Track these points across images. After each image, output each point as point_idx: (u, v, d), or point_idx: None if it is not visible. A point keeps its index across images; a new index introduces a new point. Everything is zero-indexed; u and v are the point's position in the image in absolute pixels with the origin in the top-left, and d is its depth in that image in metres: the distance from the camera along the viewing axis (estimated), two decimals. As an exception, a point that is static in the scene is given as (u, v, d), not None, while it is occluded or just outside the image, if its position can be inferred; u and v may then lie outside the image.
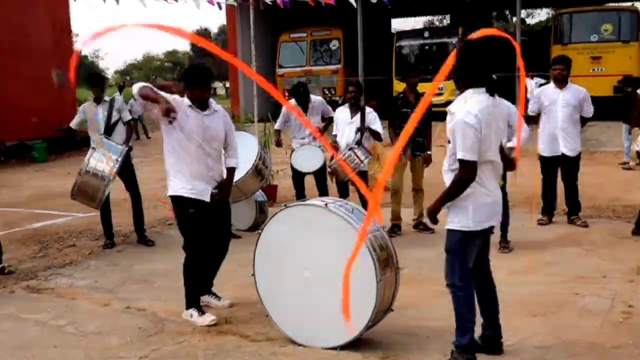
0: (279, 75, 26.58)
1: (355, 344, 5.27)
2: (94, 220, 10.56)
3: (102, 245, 9.09)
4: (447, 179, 4.88)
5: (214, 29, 70.57)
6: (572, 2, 24.41)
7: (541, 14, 52.96)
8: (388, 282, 5.32)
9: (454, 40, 24.77)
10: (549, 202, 9.76)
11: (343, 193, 9.08)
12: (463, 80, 4.83)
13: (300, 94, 9.68)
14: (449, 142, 4.81)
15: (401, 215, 9.43)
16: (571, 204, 9.69)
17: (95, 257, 8.63)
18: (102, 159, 8.26)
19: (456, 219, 4.81)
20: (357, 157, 8.77)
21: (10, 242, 9.45)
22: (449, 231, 4.88)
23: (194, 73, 6.23)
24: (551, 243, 8.56)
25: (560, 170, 9.60)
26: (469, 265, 4.90)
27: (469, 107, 4.69)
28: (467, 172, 4.68)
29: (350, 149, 8.82)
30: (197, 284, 6.28)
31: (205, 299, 6.47)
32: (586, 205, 10.27)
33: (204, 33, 70.37)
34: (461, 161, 4.68)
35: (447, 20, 42.77)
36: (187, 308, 6.12)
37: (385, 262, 5.30)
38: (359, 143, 8.87)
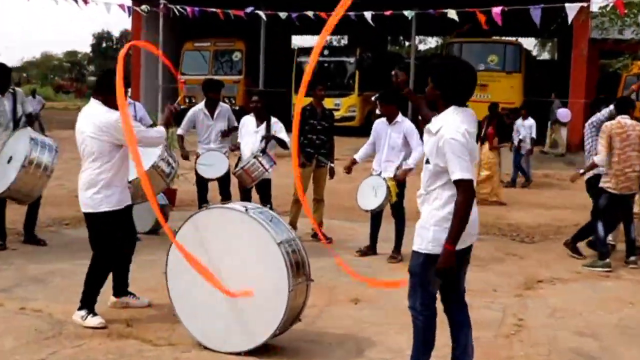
0: (181, 82, 26.21)
1: (259, 350, 5.12)
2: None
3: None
4: (423, 202, 4.50)
5: (115, 33, 69.16)
6: (461, 33, 25.15)
7: (431, 42, 54.40)
8: (300, 291, 5.22)
9: (352, 59, 25.11)
10: None
11: (246, 199, 8.89)
12: (450, 100, 4.44)
13: (215, 85, 9.63)
14: (427, 162, 4.46)
15: (297, 225, 9.33)
16: None
17: (-13, 256, 8.10)
18: (43, 154, 7.70)
19: (419, 240, 4.43)
20: (262, 165, 8.64)
21: None
22: (414, 252, 4.47)
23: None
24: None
25: None
26: (432, 290, 4.53)
27: (456, 124, 4.33)
28: (469, 193, 4.26)
29: (255, 157, 8.67)
30: (100, 286, 5.96)
31: (124, 300, 6.25)
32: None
33: (105, 36, 68.95)
34: (462, 181, 4.24)
35: (344, 41, 43.23)
36: (81, 309, 5.78)
37: (298, 270, 5.18)
38: (263, 151, 8.73)
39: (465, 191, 4.21)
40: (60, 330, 5.60)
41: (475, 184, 4.37)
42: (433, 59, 4.77)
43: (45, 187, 8.02)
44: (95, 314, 5.75)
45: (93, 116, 5.78)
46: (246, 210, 5.24)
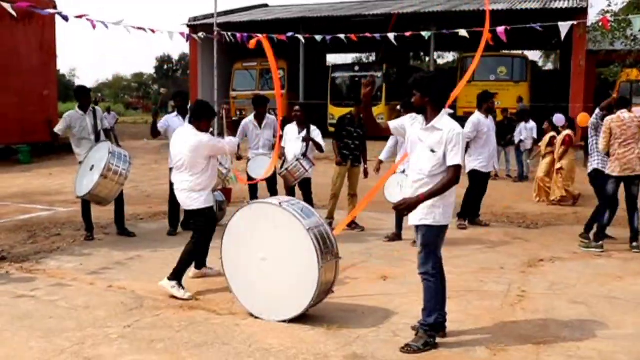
0: (232, 98, 26.66)
1: (302, 318, 5.37)
2: (75, 213, 10.41)
3: (83, 235, 8.88)
4: (423, 185, 4.86)
5: (175, 56, 69.90)
6: (474, 48, 25.16)
7: (449, 56, 54.10)
8: (329, 267, 5.42)
9: (379, 74, 25.26)
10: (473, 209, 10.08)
11: (290, 195, 9.17)
12: (438, 104, 4.89)
13: (261, 101, 9.87)
14: (432, 151, 4.83)
15: (335, 215, 9.58)
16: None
17: (79, 245, 8.48)
18: (119, 164, 7.98)
19: (431, 217, 4.85)
20: (303, 166, 8.96)
21: (1, 232, 9.24)
22: (427, 227, 4.89)
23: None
24: (459, 242, 8.79)
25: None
26: (440, 255, 5.02)
27: (455, 124, 4.85)
28: (458, 177, 4.80)
29: (297, 159, 8.98)
30: (191, 263, 6.55)
31: (203, 270, 6.87)
32: (485, 212, 10.61)
33: (166, 59, 69.70)
34: (457, 167, 4.76)
35: (372, 58, 43.29)
36: (172, 279, 6.18)
37: (326, 250, 5.40)
38: (304, 155, 9.02)
39: (455, 174, 4.77)
40: (141, 304, 5.93)
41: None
42: (416, 74, 5.03)
43: (119, 192, 8.27)
44: (183, 288, 6.18)
45: (187, 138, 6.39)
46: (280, 204, 5.49)
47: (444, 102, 4.96)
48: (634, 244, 8.42)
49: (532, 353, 4.82)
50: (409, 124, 5.08)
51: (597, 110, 8.94)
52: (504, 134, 15.86)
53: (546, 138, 13.12)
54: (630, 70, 14.58)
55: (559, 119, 12.88)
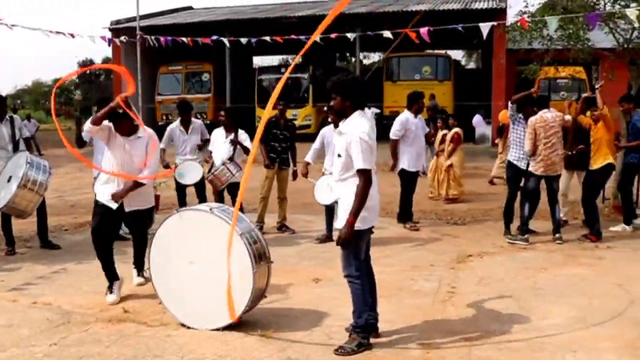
0: (158, 102, 26.26)
1: (236, 325, 5.30)
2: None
3: (4, 250, 8.51)
4: (338, 186, 4.96)
5: (97, 60, 68.15)
6: (398, 48, 25.54)
7: (374, 56, 54.65)
8: (262, 272, 5.39)
9: (306, 75, 25.34)
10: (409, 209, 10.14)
11: (219, 200, 9.08)
12: (359, 107, 4.88)
13: (186, 107, 9.73)
14: (339, 155, 4.86)
15: (265, 219, 9.54)
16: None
17: (-1, 260, 8.17)
18: (38, 174, 7.56)
19: (360, 223, 4.81)
20: (229, 170, 8.88)
21: None
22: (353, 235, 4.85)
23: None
24: (390, 240, 8.89)
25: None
26: (361, 258, 5.00)
27: (362, 126, 4.79)
28: (368, 179, 4.75)
29: (223, 163, 8.91)
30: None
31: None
32: (414, 210, 10.76)
33: (89, 64, 67.92)
34: (363, 171, 4.73)
35: (299, 59, 43.31)
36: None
37: (260, 255, 5.37)
38: (231, 159, 8.94)
39: (364, 178, 4.74)
40: (68, 319, 5.71)
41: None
42: (334, 78, 5.04)
43: (39, 203, 7.85)
44: None
45: None
46: (210, 209, 5.44)
47: (364, 105, 4.97)
48: (557, 235, 8.71)
49: (464, 348, 4.91)
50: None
51: (509, 104, 9.19)
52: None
53: (439, 136, 13.34)
54: (547, 68, 15.09)
55: (478, 121, 13.22)
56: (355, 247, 4.92)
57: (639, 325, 5.40)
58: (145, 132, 6.34)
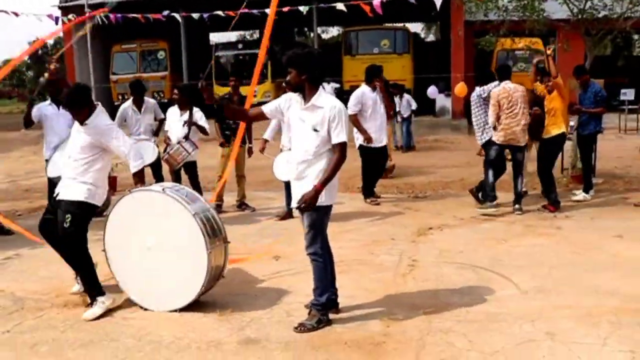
0: (113, 81, 25.79)
1: (194, 306, 5.24)
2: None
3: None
4: (309, 165, 4.80)
5: (49, 41, 66.51)
6: (357, 21, 25.40)
7: (333, 31, 54.45)
8: (217, 252, 5.32)
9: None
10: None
11: (176, 180, 8.95)
12: (316, 81, 4.77)
13: (139, 87, 9.52)
14: (315, 130, 4.72)
15: (224, 197, 9.44)
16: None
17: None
18: None
19: (322, 198, 4.74)
20: (185, 149, 8.70)
21: None
22: (319, 208, 4.78)
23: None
24: (350, 215, 8.88)
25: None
26: (326, 235, 4.93)
27: (335, 100, 4.76)
28: (345, 153, 4.71)
29: (179, 142, 8.75)
30: None
31: None
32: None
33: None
34: (343, 144, 4.68)
35: (257, 35, 42.95)
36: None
37: (214, 235, 5.29)
38: (186, 137, 8.79)
39: (343, 152, 4.71)
40: (22, 306, 5.58)
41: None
42: (288, 51, 4.95)
43: None
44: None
45: None
46: (163, 190, 5.33)
47: (321, 79, 4.87)
48: (516, 206, 8.80)
49: (424, 321, 4.91)
50: (285, 105, 4.96)
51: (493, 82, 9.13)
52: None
53: None
54: (504, 39, 15.20)
55: (432, 91, 13.25)
56: (321, 223, 4.86)
57: (597, 294, 5.47)
58: None
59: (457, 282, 5.87)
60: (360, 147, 9.74)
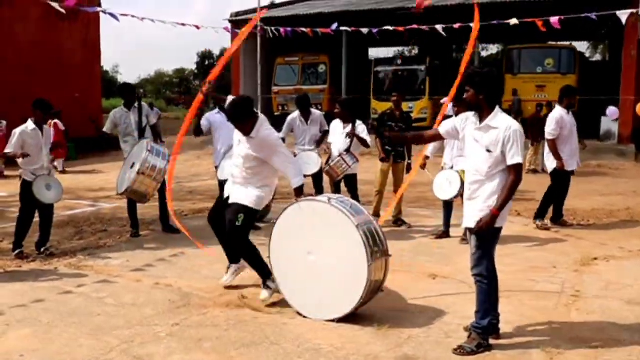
0: (274, 93, 26.74)
1: (351, 318, 5.30)
2: (118, 209, 10.59)
3: (129, 232, 8.97)
4: (480, 186, 4.77)
5: (215, 51, 70.22)
6: (519, 39, 24.69)
7: (493, 48, 53.26)
8: (378, 266, 5.35)
9: (422, 67, 24.98)
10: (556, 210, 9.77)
11: (336, 191, 9.10)
12: (493, 101, 4.74)
13: (305, 101, 9.73)
14: (488, 151, 4.69)
15: (380, 212, 9.47)
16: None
17: (125, 241, 8.57)
18: (157, 160, 7.74)
19: (499, 219, 4.70)
20: (345, 162, 8.85)
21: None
22: (490, 230, 4.73)
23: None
24: (507, 239, 8.57)
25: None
26: (493, 257, 4.87)
27: (511, 121, 4.70)
28: (521, 175, 4.67)
29: (340, 155, 8.91)
30: None
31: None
32: (530, 207, 10.35)
33: (207, 55, 70.13)
34: (518, 165, 4.64)
35: (415, 51, 42.92)
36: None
37: (376, 248, 5.32)
38: (347, 150, 8.92)
39: (518, 173, 4.63)
40: (188, 302, 5.94)
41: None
42: (469, 70, 4.90)
43: (157, 189, 8.03)
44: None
45: None
46: (329, 200, 5.44)
47: (498, 99, 4.81)
48: None
49: (591, 357, 4.67)
50: (461, 126, 4.94)
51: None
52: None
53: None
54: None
55: (612, 112, 12.56)
56: (490, 245, 4.80)
57: None
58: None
59: (628, 318, 5.51)
60: (554, 171, 9.42)
